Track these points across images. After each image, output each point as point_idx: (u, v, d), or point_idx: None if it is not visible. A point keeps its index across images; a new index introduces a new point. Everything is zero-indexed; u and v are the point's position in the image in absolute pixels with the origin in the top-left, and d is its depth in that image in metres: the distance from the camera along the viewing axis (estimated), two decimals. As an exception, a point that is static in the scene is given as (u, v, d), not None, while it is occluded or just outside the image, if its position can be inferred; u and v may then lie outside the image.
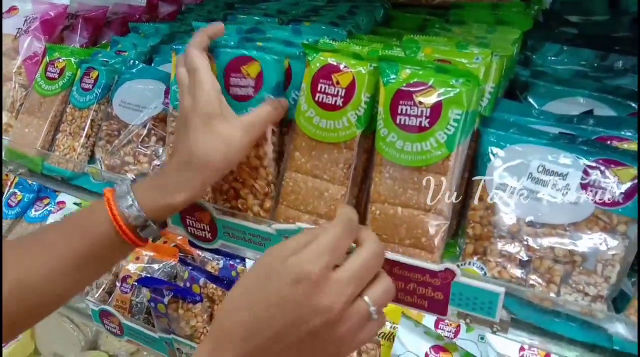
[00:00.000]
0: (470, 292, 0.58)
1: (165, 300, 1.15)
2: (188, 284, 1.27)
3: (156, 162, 0.89)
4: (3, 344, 1.58)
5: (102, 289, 1.37)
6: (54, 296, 0.65)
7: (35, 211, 1.62)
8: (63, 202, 1.64)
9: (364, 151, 0.68)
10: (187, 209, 0.73)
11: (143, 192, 0.65)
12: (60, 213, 1.61)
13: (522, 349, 0.98)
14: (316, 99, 0.67)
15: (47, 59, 1.05)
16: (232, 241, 0.74)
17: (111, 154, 0.92)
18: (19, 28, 1.14)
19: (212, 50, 0.71)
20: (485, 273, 0.61)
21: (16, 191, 1.55)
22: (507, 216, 0.61)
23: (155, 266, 1.40)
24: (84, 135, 0.95)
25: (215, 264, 1.37)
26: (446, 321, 1.02)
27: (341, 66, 0.66)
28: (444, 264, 0.58)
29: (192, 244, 1.28)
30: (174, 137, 0.80)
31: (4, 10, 1.21)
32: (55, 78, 1.01)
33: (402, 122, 0.61)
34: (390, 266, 0.60)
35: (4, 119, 1.08)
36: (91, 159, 0.96)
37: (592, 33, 0.93)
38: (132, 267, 1.38)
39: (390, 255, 0.60)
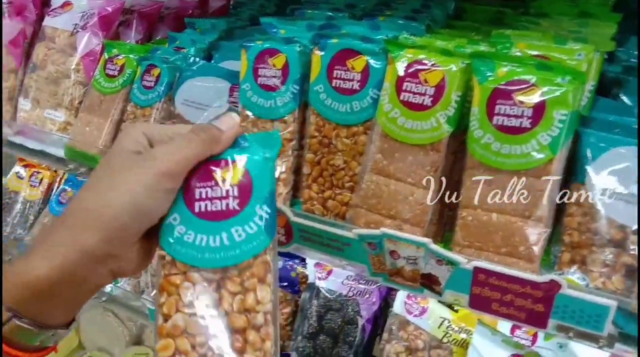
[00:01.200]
0: (576, 305, 0.54)
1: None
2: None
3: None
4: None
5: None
6: None
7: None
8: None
9: (450, 153, 0.65)
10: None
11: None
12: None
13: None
14: (401, 98, 0.64)
15: (105, 55, 1.04)
16: (308, 244, 0.71)
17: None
18: (75, 24, 1.13)
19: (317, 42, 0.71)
20: (587, 284, 0.57)
21: (66, 187, 1.56)
22: (611, 223, 0.58)
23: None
24: (146, 133, 0.93)
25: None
26: (523, 328, 0.98)
27: (429, 63, 0.63)
28: (548, 275, 0.54)
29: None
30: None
31: (56, 5, 1.20)
32: (115, 75, 1.00)
33: (500, 123, 0.58)
34: (486, 275, 0.57)
35: (63, 118, 1.08)
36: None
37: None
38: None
39: (487, 265, 0.57)
